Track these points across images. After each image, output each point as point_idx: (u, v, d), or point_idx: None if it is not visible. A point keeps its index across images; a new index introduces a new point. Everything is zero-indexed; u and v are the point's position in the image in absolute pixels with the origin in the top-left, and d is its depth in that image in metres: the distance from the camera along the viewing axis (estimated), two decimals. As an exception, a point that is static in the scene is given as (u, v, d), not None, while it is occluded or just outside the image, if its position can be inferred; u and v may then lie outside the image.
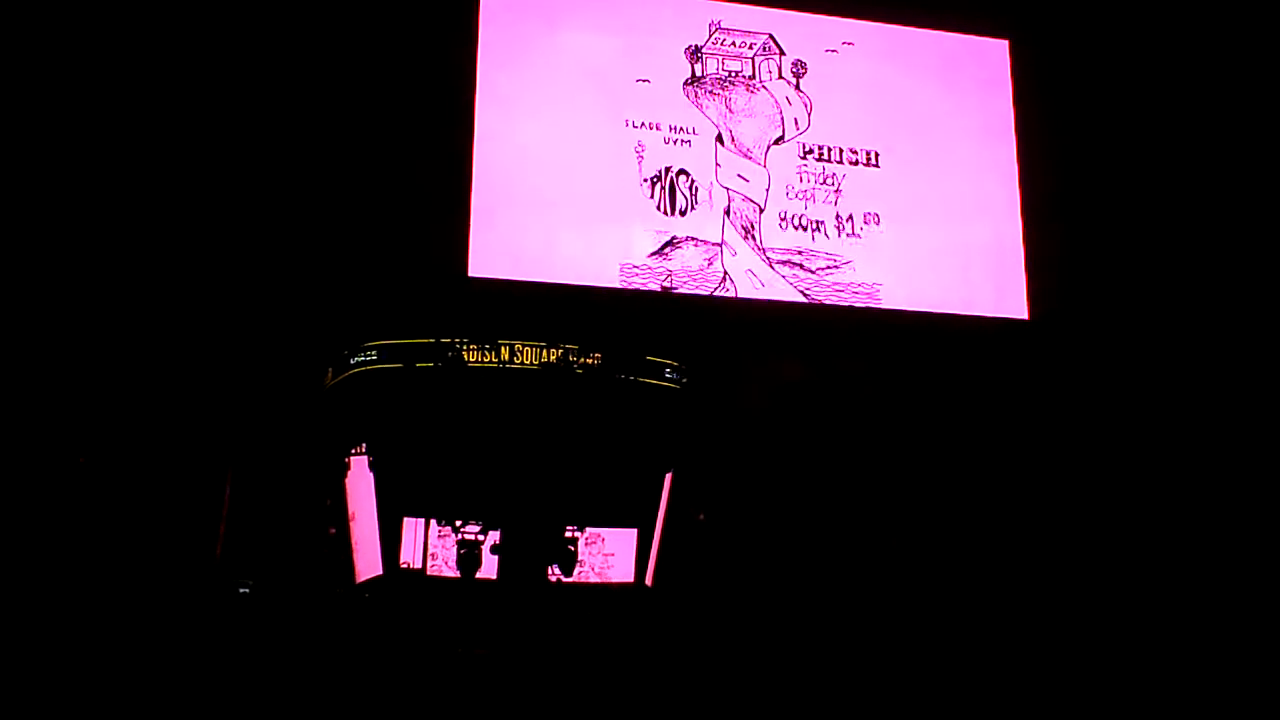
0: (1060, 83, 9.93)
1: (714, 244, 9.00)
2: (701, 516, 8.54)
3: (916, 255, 9.34)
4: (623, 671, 7.32)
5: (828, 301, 9.05)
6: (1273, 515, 8.74)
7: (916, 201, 9.48)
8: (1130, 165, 9.81)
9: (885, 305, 9.15)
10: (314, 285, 8.55)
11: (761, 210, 9.15)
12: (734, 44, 9.47)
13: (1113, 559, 8.70)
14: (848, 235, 9.24)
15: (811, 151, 9.39)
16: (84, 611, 7.50)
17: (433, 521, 7.95)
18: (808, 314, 9.04)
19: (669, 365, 8.44)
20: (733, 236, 9.04)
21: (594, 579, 8.07)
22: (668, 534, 8.23)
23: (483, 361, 8.10)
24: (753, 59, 9.49)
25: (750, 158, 9.26)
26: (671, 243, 8.91)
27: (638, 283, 8.76)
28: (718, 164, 9.17)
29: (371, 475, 8.04)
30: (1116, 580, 8.60)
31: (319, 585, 8.03)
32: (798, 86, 9.51)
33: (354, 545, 8.05)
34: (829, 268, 9.13)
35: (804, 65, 9.54)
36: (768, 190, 9.21)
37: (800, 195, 9.26)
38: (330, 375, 8.28)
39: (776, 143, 9.35)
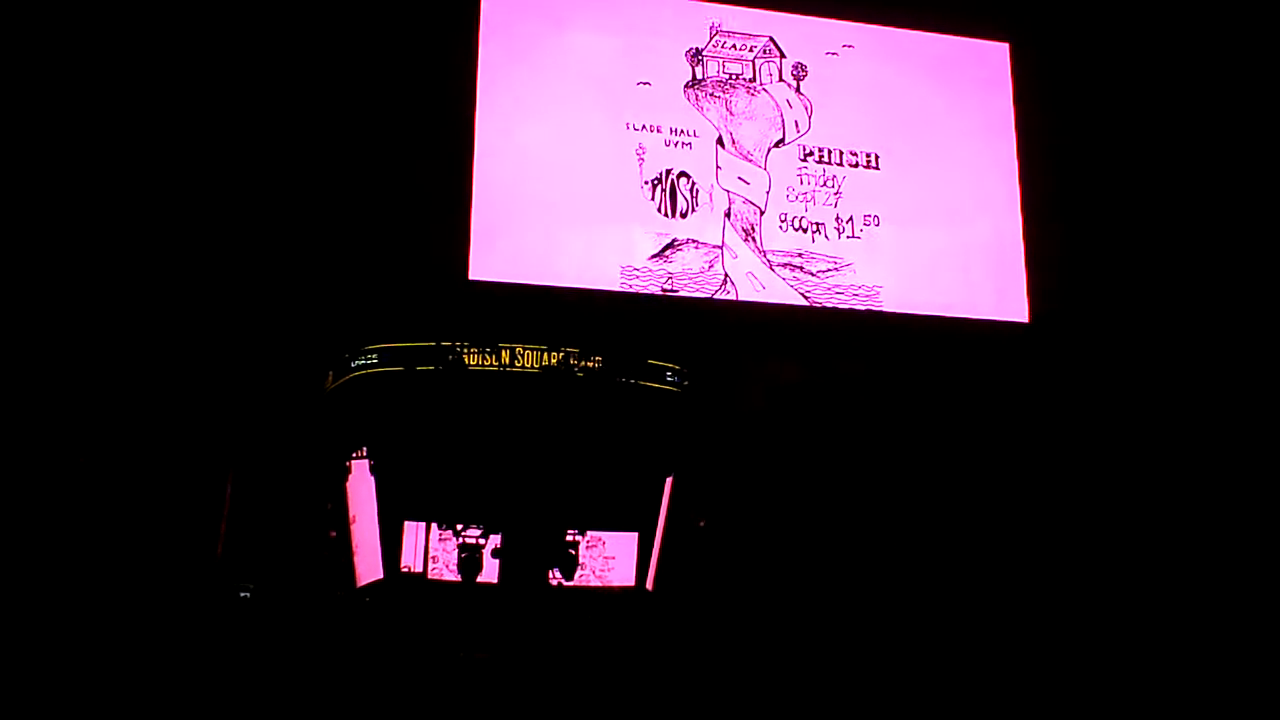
0: (1061, 85, 9.92)
1: (715, 246, 8.99)
2: (702, 523, 8.54)
3: (917, 258, 9.32)
4: (623, 675, 7.33)
5: (828, 304, 9.04)
6: (1276, 515, 8.75)
7: (917, 204, 9.46)
8: (1131, 167, 9.81)
9: (886, 308, 9.12)
10: (315, 288, 8.54)
11: (762, 212, 9.14)
12: (734, 47, 9.46)
13: (1115, 561, 8.70)
14: (848, 237, 9.23)
15: (812, 154, 9.38)
16: (85, 614, 7.50)
17: (434, 525, 7.96)
18: (808, 317, 9.01)
19: (670, 368, 8.45)
20: (733, 239, 9.03)
21: (595, 583, 8.08)
22: (668, 538, 8.25)
23: (483, 365, 8.11)
24: (753, 61, 9.48)
25: (751, 160, 9.25)
26: (672, 245, 8.90)
27: (638, 285, 8.74)
28: (718, 166, 9.16)
29: (372, 479, 8.05)
30: (1120, 582, 8.61)
31: (320, 589, 8.04)
32: (798, 89, 9.49)
33: (355, 549, 8.07)
34: (829, 270, 9.12)
35: (804, 68, 9.53)
36: (768, 193, 9.20)
37: (801, 197, 9.25)
38: (331, 378, 8.29)
39: (777, 145, 9.34)
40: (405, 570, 7.87)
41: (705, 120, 9.25)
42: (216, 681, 7.22)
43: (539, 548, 7.88)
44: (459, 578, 7.82)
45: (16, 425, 7.88)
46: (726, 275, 8.95)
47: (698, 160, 9.14)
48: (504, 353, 8.13)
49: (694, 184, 9.08)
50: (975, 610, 8.41)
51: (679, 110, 9.21)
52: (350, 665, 7.34)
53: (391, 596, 7.82)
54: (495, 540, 7.91)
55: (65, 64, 8.40)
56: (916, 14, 9.88)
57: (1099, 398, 9.31)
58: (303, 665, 7.35)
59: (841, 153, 9.44)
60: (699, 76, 9.33)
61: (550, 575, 7.85)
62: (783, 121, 9.41)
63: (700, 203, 9.06)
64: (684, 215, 9.01)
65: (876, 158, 9.49)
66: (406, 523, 7.97)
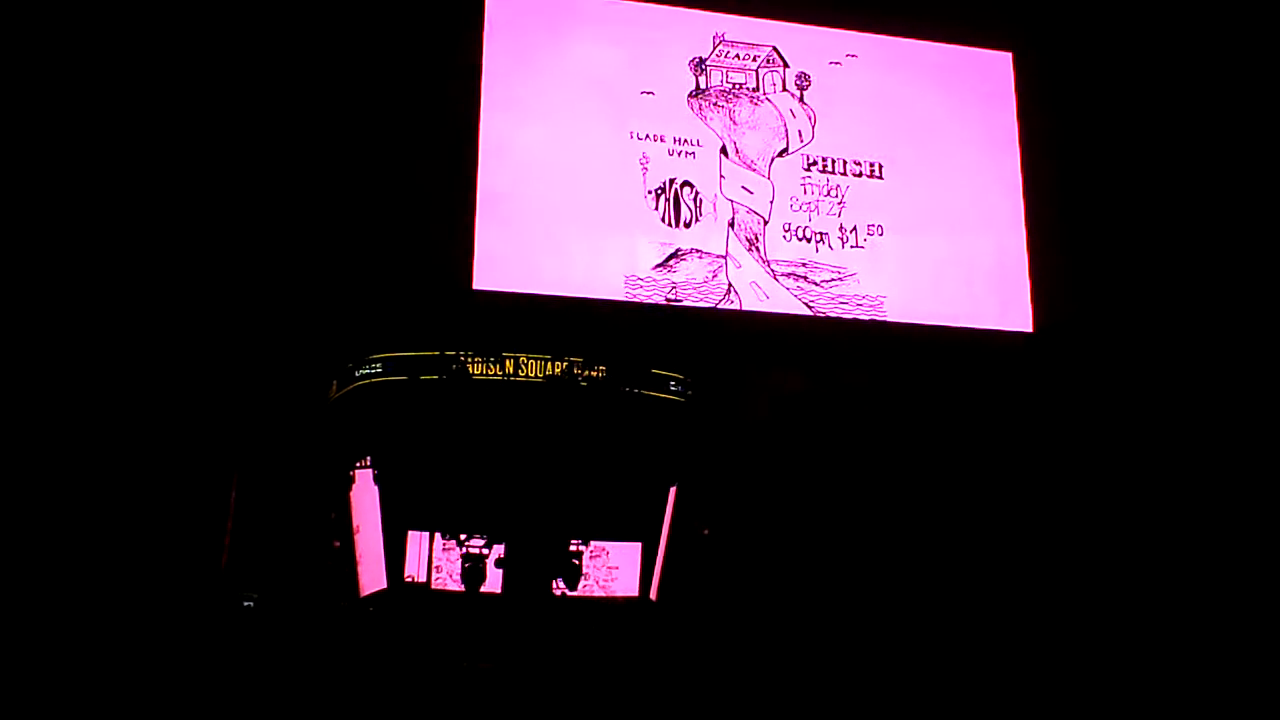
0: (1064, 95, 9.94)
1: (718, 256, 9.00)
2: (706, 531, 8.53)
3: (920, 267, 9.34)
4: (627, 685, 7.33)
5: (832, 314, 9.05)
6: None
7: (920, 213, 9.48)
8: (1135, 177, 9.82)
9: (890, 318, 9.14)
10: (318, 297, 8.55)
11: (766, 222, 9.15)
12: (738, 56, 9.48)
13: (1123, 575, 8.69)
14: (852, 247, 9.24)
15: (816, 163, 9.39)
16: (88, 622, 7.50)
17: (437, 535, 7.94)
18: (812, 326, 9.02)
19: (674, 378, 8.44)
20: (737, 249, 9.04)
21: (598, 593, 8.06)
22: (672, 548, 8.22)
23: (487, 374, 8.10)
24: (757, 71, 9.50)
25: (754, 170, 9.26)
26: (676, 255, 8.91)
27: (642, 295, 8.75)
28: (722, 176, 9.18)
29: (376, 488, 8.04)
30: (1129, 593, 8.60)
31: (323, 598, 8.02)
32: (802, 99, 9.51)
33: (358, 558, 8.04)
34: (833, 280, 9.13)
35: (808, 78, 9.55)
36: (772, 202, 9.21)
37: (804, 207, 9.27)
38: (334, 388, 8.28)
39: (780, 155, 9.35)
40: (409, 580, 7.84)
41: (709, 130, 9.27)
42: (220, 691, 7.23)
43: (542, 558, 7.88)
44: (462, 587, 7.80)
45: (19, 433, 7.88)
46: (730, 285, 8.96)
47: (701, 170, 9.15)
48: (508, 362, 8.11)
49: (698, 193, 9.09)
50: (981, 617, 8.41)
51: (682, 120, 9.23)
52: (354, 675, 7.34)
53: (395, 606, 7.80)
54: (499, 550, 7.90)
55: (70, 72, 8.42)
56: (919, 24, 9.90)
57: (1103, 408, 9.31)
58: (306, 675, 7.35)
59: (845, 162, 9.45)
60: (702, 86, 9.35)
61: (554, 585, 7.84)
62: (786, 131, 9.43)
63: (704, 212, 9.07)
64: (688, 225, 9.02)
65: (880, 167, 9.51)
66: (410, 532, 7.95)
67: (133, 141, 8.49)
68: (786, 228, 9.18)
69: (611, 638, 7.74)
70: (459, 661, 7.44)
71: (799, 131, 9.45)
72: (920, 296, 9.27)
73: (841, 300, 9.11)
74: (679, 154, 9.14)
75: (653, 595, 8.13)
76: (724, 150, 9.25)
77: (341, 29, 8.91)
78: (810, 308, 9.05)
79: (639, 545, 8.18)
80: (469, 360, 8.11)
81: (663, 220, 8.97)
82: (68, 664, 7.22)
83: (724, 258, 9.00)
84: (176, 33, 8.67)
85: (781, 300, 9.03)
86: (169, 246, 8.45)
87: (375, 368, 8.12)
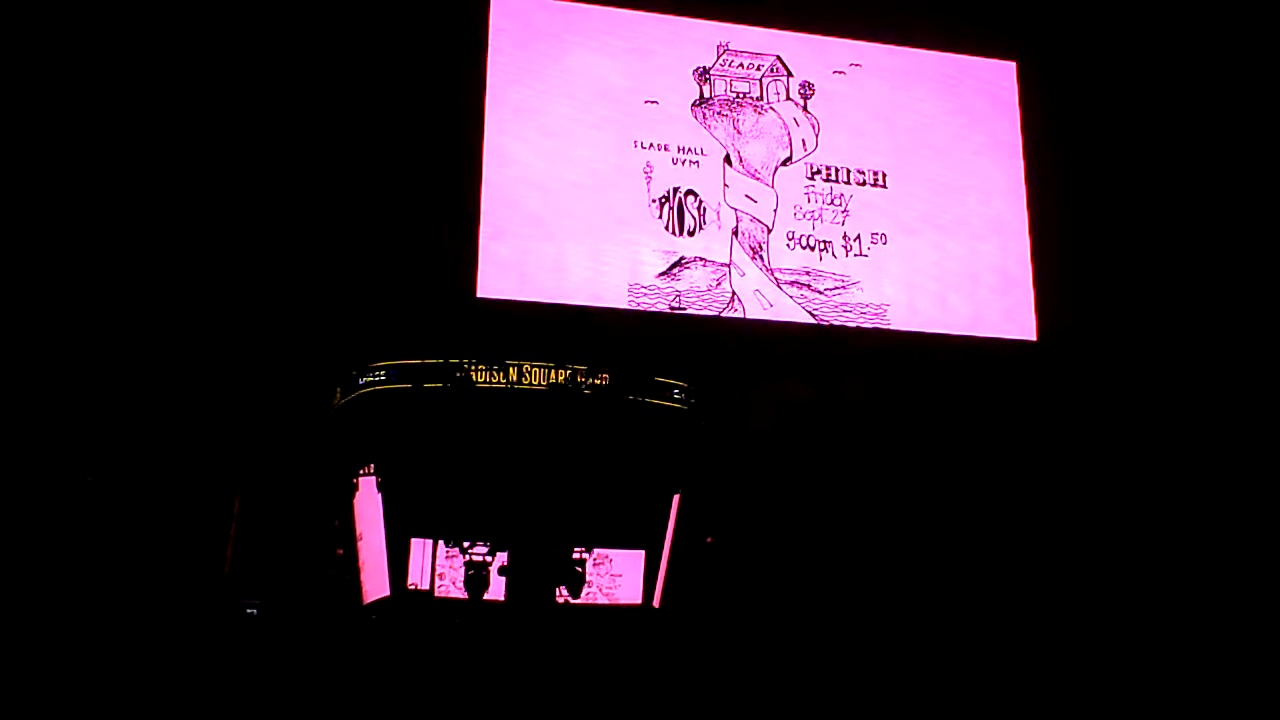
0: (1067, 103, 9.96)
1: (722, 264, 9.01)
2: (710, 539, 8.51)
3: (924, 275, 9.35)
4: (630, 692, 7.30)
5: (835, 322, 9.05)
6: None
7: (923, 222, 9.50)
8: (1138, 186, 9.83)
9: (893, 326, 9.14)
10: (323, 305, 8.57)
11: (769, 230, 9.16)
12: (742, 66, 9.50)
13: (1127, 581, 8.66)
14: (855, 255, 9.25)
15: (819, 172, 9.41)
16: (94, 630, 7.51)
17: (440, 542, 7.93)
18: (815, 334, 9.03)
19: (677, 386, 8.43)
20: (741, 257, 9.05)
21: (602, 600, 8.04)
22: (675, 555, 8.20)
23: (491, 382, 8.09)
24: (760, 80, 9.52)
25: (758, 178, 9.28)
26: (680, 263, 8.92)
27: (646, 303, 8.77)
28: (726, 185, 9.19)
29: (379, 496, 8.03)
30: (1132, 604, 8.57)
31: (326, 606, 8.01)
32: (805, 108, 9.53)
33: (361, 566, 8.03)
34: (836, 288, 9.13)
35: (811, 87, 9.57)
36: (775, 211, 9.23)
37: (808, 216, 9.28)
38: (339, 395, 8.28)
39: (784, 163, 9.37)
40: (412, 587, 7.83)
41: (713, 139, 9.29)
42: (224, 698, 7.21)
43: (546, 565, 7.86)
44: (466, 595, 7.79)
45: (25, 444, 7.90)
46: (734, 293, 8.97)
47: (705, 178, 9.17)
48: (511, 370, 8.10)
49: (701, 202, 9.10)
50: (984, 624, 8.38)
51: (686, 129, 9.26)
52: (357, 682, 7.32)
53: (398, 614, 7.78)
54: (502, 558, 7.89)
55: (74, 81, 8.47)
56: (922, 33, 9.93)
57: (1107, 416, 9.29)
58: (309, 682, 7.33)
59: (849, 171, 9.47)
60: (706, 95, 9.37)
61: (557, 593, 7.83)
62: (790, 140, 9.45)
63: (708, 221, 9.08)
64: (692, 233, 9.03)
65: (884, 176, 9.52)
66: (413, 540, 7.94)
67: (138, 154, 8.54)
68: (790, 236, 9.19)
69: (615, 645, 7.71)
70: (462, 669, 7.40)
71: (803, 140, 9.46)
72: (924, 304, 9.27)
73: (845, 308, 9.12)
74: (683, 163, 9.17)
75: (656, 602, 8.12)
76: (728, 159, 9.27)
77: (349, 43, 8.96)
78: (814, 316, 9.05)
79: (642, 552, 8.17)
80: (473, 368, 8.10)
81: (666, 229, 8.98)
82: (76, 668, 7.22)
83: (728, 266, 9.01)
84: (187, 48, 8.72)
85: (785, 308, 9.04)
86: (178, 255, 8.49)
87: (379, 375, 8.12)
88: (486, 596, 7.81)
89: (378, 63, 8.88)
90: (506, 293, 8.54)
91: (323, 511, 8.27)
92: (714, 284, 8.94)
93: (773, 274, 9.06)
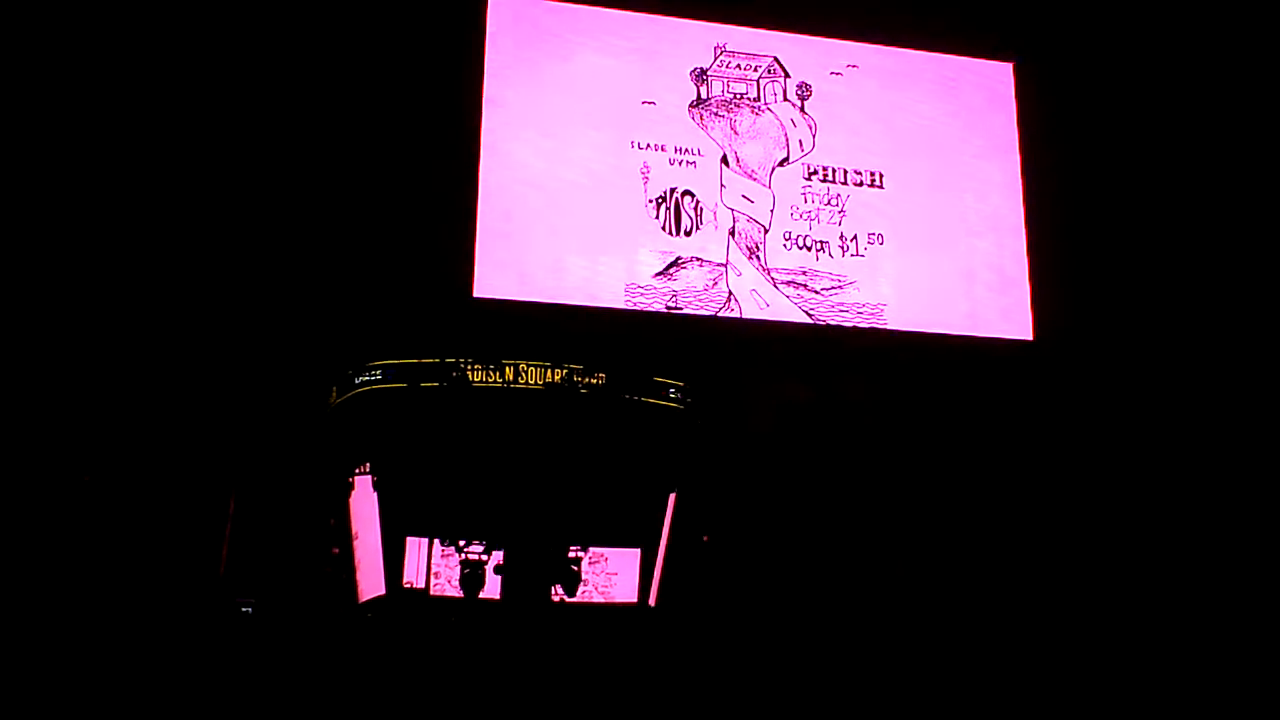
0: (1065, 104, 9.96)
1: (719, 264, 9.02)
2: (706, 538, 8.51)
3: (921, 275, 9.35)
4: (626, 691, 7.30)
5: (832, 322, 9.06)
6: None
7: (920, 222, 9.50)
8: (1135, 186, 9.83)
9: (890, 326, 9.14)
10: (319, 305, 8.58)
11: (766, 231, 9.17)
12: (739, 66, 9.52)
13: (1122, 580, 8.65)
14: (852, 255, 9.25)
15: (816, 173, 9.42)
16: (88, 629, 7.51)
17: (436, 541, 7.94)
18: (812, 334, 9.03)
19: (673, 385, 8.44)
20: (737, 257, 9.06)
21: (597, 599, 8.05)
22: (671, 554, 8.21)
23: (487, 381, 8.10)
24: (758, 81, 9.53)
25: (755, 179, 9.29)
26: (676, 263, 8.93)
27: (643, 303, 8.77)
28: (723, 185, 9.20)
29: (375, 495, 8.04)
30: (1127, 604, 8.56)
31: (322, 604, 8.01)
32: (802, 109, 9.54)
33: (357, 565, 8.04)
34: (833, 288, 9.14)
35: (809, 87, 9.59)
36: (772, 211, 9.23)
37: (805, 216, 9.29)
38: (334, 394, 8.29)
39: (781, 164, 9.38)
40: (407, 586, 7.84)
41: (710, 139, 9.30)
42: (219, 697, 7.22)
43: (541, 564, 7.87)
44: (461, 594, 7.79)
45: (19, 443, 7.91)
46: (730, 293, 8.97)
47: (702, 179, 9.18)
48: (508, 369, 8.12)
49: (698, 202, 9.11)
50: (981, 622, 8.37)
51: (683, 129, 9.26)
52: (352, 681, 7.32)
53: (393, 612, 7.79)
54: (498, 556, 7.89)
55: (73, 81, 8.49)
56: (920, 34, 9.93)
57: (1104, 415, 9.29)
58: (305, 680, 7.33)
59: (846, 171, 9.48)
60: (703, 96, 9.38)
61: (553, 591, 7.83)
62: (787, 140, 9.46)
63: (704, 221, 9.09)
64: (688, 233, 9.04)
65: (881, 176, 9.52)
66: (409, 539, 7.95)
67: (134, 153, 8.55)
68: (787, 236, 9.20)
69: (610, 643, 7.71)
70: (457, 668, 7.41)
71: (799, 141, 9.47)
72: (920, 304, 9.28)
73: (842, 308, 9.12)
74: (680, 163, 9.18)
75: (651, 601, 8.12)
76: (725, 159, 9.28)
77: (346, 43, 8.97)
78: (810, 315, 9.06)
79: (638, 551, 8.17)
80: (469, 367, 8.12)
81: (663, 229, 8.99)
82: (71, 667, 7.22)
83: (724, 266, 9.02)
84: (181, 47, 8.74)
85: (782, 308, 9.04)
86: (174, 255, 8.50)
87: (375, 374, 8.13)
88: (482, 595, 7.82)
89: (374, 61, 8.89)
90: (503, 292, 8.54)
91: (318, 510, 8.27)
92: (710, 284, 8.95)
93: (769, 274, 9.07)
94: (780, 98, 9.56)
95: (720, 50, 9.51)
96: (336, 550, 8.13)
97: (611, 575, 8.05)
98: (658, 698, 7.28)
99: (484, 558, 7.85)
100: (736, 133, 9.37)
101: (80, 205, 8.36)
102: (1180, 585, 8.59)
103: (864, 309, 9.14)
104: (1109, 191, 9.78)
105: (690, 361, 8.62)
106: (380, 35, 8.95)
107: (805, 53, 9.68)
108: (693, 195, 9.11)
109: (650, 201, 9.02)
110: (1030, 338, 9.40)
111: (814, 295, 9.08)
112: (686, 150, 9.22)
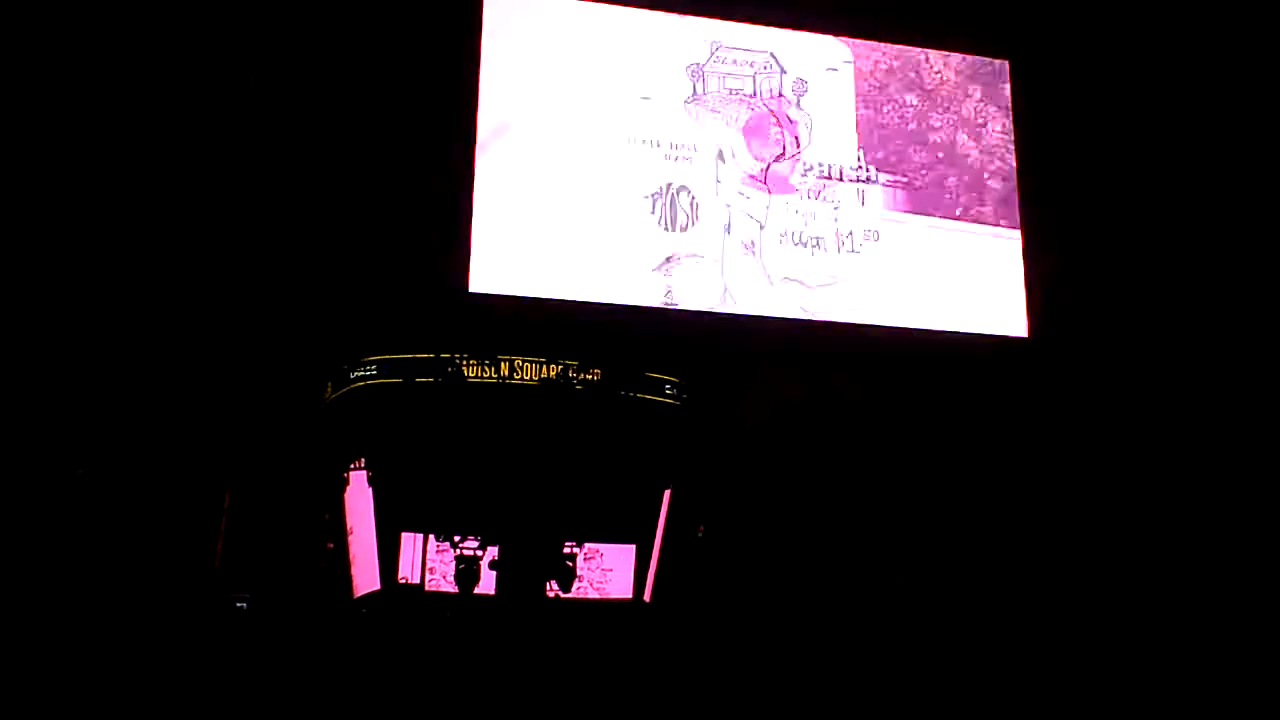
0: (1060, 102, 9.99)
1: (715, 260, 9.02)
2: (701, 531, 8.51)
3: (916, 273, 9.37)
4: (621, 687, 7.31)
5: (827, 318, 9.07)
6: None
7: (916, 218, 9.51)
8: (1131, 184, 9.86)
9: (885, 322, 9.16)
10: (314, 300, 8.57)
11: (762, 227, 9.18)
12: (735, 62, 9.52)
13: (1118, 581, 8.67)
14: (848, 252, 9.26)
15: (812, 169, 9.42)
16: (81, 624, 7.49)
17: (431, 537, 7.91)
18: (807, 330, 9.04)
19: (669, 381, 8.42)
20: (733, 253, 9.06)
21: (592, 595, 8.03)
22: (667, 550, 8.20)
23: (482, 377, 8.08)
24: (754, 77, 9.53)
25: (750, 175, 9.28)
26: (672, 259, 8.93)
27: (638, 299, 8.78)
28: (718, 181, 9.20)
29: (370, 490, 8.02)
30: (1123, 604, 8.58)
31: (316, 600, 8.00)
32: (798, 104, 9.54)
33: (352, 560, 8.01)
34: (829, 284, 9.15)
35: (805, 83, 9.59)
36: (768, 207, 9.24)
37: (801, 212, 9.29)
38: (329, 390, 8.26)
39: (777, 160, 9.38)
40: (402, 581, 7.82)
41: (705, 135, 9.30)
42: (213, 692, 7.21)
43: (536, 559, 7.84)
44: (456, 589, 7.77)
45: (13, 437, 7.89)
46: (726, 289, 8.98)
47: (698, 175, 9.18)
48: (503, 365, 8.09)
49: (694, 198, 9.12)
50: (976, 621, 8.40)
51: (679, 125, 9.26)
52: (347, 676, 7.32)
53: (388, 608, 7.77)
54: (493, 552, 7.86)
55: (64, 75, 8.46)
56: (916, 31, 9.95)
57: (1100, 414, 9.31)
58: (299, 676, 7.33)
59: (841, 168, 9.48)
60: (699, 91, 9.38)
61: (548, 587, 7.81)
62: (783, 136, 9.46)
63: (700, 217, 9.09)
64: (684, 229, 9.04)
65: (876, 172, 9.53)
66: (404, 534, 7.92)
67: (126, 147, 8.52)
68: (782, 232, 9.20)
69: (605, 640, 7.71)
70: (452, 663, 7.40)
71: (795, 137, 9.48)
72: (916, 302, 9.30)
73: (838, 304, 9.13)
74: (675, 159, 9.18)
75: (647, 597, 8.11)
76: (720, 155, 9.27)
77: (341, 35, 8.96)
78: (806, 312, 9.06)
79: (633, 547, 8.15)
80: (464, 363, 8.09)
81: (659, 224, 9.00)
82: (62, 663, 7.21)
83: (720, 262, 9.02)
84: (174, 40, 8.71)
85: (777, 304, 9.05)
86: (168, 250, 8.48)
87: (370, 370, 8.10)
88: (477, 591, 7.78)
89: (368, 56, 8.89)
90: (498, 287, 8.56)
91: (313, 506, 8.25)
92: (706, 280, 8.95)
93: (765, 270, 9.07)
94: (776, 93, 9.55)
95: (716, 46, 9.51)
96: (331, 545, 8.10)
97: (606, 571, 8.04)
98: (653, 694, 7.28)
99: (479, 553, 7.81)
100: (732, 128, 9.36)
101: (74, 200, 8.33)
102: (1178, 584, 8.61)
103: (859, 305, 9.15)
104: (1106, 189, 9.81)
105: (686, 358, 8.61)
106: (376, 27, 8.94)
107: (801, 48, 9.69)
108: (688, 191, 9.11)
109: (646, 197, 9.02)
110: (1026, 335, 9.42)
111: (810, 292, 9.09)
112: (682, 146, 9.23)
